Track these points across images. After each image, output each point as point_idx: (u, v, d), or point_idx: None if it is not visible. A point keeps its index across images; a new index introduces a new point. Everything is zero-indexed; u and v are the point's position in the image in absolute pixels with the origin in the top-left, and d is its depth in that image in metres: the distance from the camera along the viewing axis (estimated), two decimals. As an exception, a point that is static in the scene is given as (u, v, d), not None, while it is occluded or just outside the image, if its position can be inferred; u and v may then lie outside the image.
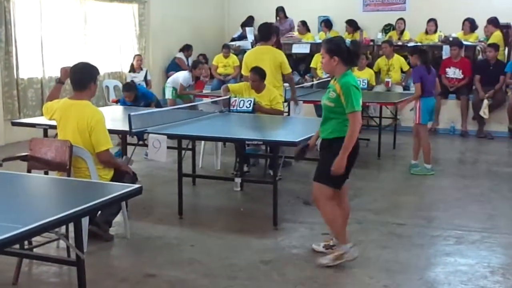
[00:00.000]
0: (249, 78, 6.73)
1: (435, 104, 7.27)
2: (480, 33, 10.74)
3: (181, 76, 9.31)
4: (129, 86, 8.16)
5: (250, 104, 6.57)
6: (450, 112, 9.97)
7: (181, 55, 11.97)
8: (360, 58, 4.21)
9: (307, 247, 4.71)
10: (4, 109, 8.83)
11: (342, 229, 4.37)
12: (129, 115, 5.12)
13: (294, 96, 7.35)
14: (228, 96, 6.72)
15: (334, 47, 4.21)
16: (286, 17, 12.57)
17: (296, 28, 12.33)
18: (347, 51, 4.19)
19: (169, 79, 9.59)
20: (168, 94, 9.24)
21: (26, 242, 4.10)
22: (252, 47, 11.18)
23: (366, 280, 4.13)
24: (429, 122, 7.41)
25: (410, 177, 7.06)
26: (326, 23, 12.02)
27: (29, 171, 4.38)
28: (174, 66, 11.76)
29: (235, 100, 6.65)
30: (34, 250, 4.17)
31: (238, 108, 6.60)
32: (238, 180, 5.98)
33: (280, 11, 12.47)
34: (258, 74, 6.67)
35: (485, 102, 9.40)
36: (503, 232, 5.15)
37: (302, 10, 12.84)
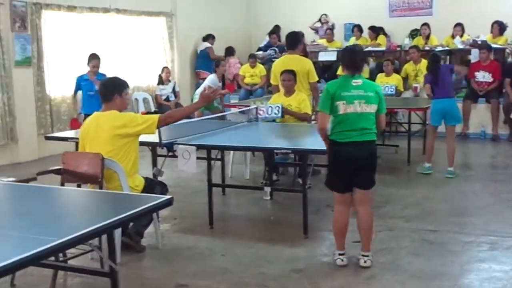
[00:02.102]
0: (282, 78, 6.73)
1: (448, 107, 7.16)
2: (509, 35, 10.59)
3: (207, 81, 9.39)
4: (98, 56, 8.52)
5: (278, 110, 6.57)
6: (480, 116, 9.85)
7: (208, 44, 12.11)
8: (357, 63, 4.38)
9: (338, 255, 4.69)
10: (38, 124, 9.02)
11: (338, 234, 4.53)
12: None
13: (317, 106, 7.29)
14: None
15: (340, 55, 4.44)
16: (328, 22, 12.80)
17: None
18: (347, 58, 4.43)
19: (197, 91, 9.68)
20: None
21: (60, 254, 4.18)
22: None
23: (398, 287, 4.10)
24: (451, 125, 7.34)
25: (441, 183, 6.99)
26: (360, 28, 12.05)
27: (62, 184, 4.47)
28: (203, 59, 11.94)
29: (263, 108, 6.65)
30: (69, 262, 4.24)
31: (267, 115, 6.59)
32: (267, 189, 6.00)
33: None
34: (292, 73, 6.71)
35: (516, 105, 9.27)
36: (538, 237, 5.06)
37: (328, 18, 12.85)
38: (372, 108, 4.30)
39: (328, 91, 4.32)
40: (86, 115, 7.64)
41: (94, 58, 8.44)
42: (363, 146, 4.31)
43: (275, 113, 6.58)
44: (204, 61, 12.08)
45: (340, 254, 4.51)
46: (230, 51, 12.35)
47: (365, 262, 4.46)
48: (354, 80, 4.32)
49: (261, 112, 6.64)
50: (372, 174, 4.46)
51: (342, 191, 4.45)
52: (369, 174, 4.44)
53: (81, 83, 8.42)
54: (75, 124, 8.28)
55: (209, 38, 12.27)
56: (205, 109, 9.20)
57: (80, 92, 8.57)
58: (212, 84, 9.24)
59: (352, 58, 4.40)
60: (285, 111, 6.62)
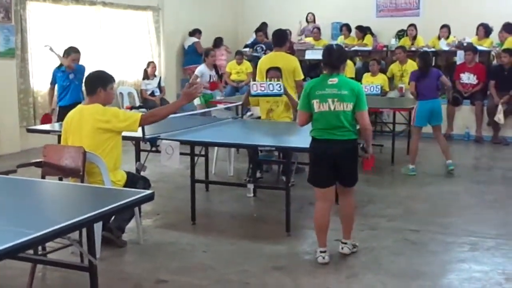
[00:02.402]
0: (269, 75, 6.66)
1: (435, 107, 7.28)
2: (494, 38, 10.66)
3: (197, 71, 9.33)
4: (78, 49, 8.06)
5: (280, 87, 6.38)
6: (464, 117, 9.91)
7: (195, 39, 12.10)
8: (333, 62, 4.40)
9: (320, 253, 4.69)
10: (20, 116, 8.93)
11: (319, 231, 4.55)
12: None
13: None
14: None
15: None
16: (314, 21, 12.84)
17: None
18: (325, 57, 4.48)
19: None
20: (197, 101, 9.20)
21: (40, 248, 4.14)
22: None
23: (379, 287, 4.10)
24: (436, 125, 7.46)
25: (424, 183, 7.03)
26: (348, 27, 12.10)
27: (43, 177, 4.42)
28: (191, 54, 11.94)
29: (264, 84, 6.46)
30: (48, 255, 4.20)
31: (269, 91, 6.41)
32: (250, 186, 5.97)
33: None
34: (278, 70, 6.66)
35: (500, 107, 9.33)
36: (518, 238, 5.10)
37: (316, 16, 12.87)
38: (346, 107, 4.30)
39: (305, 89, 4.44)
40: (61, 108, 7.65)
41: (73, 52, 7.92)
42: (337, 144, 4.34)
43: (277, 90, 6.38)
44: (192, 57, 12.07)
45: (321, 252, 4.52)
46: (218, 42, 12.34)
47: (342, 249, 4.61)
48: (330, 79, 4.35)
49: (262, 88, 6.42)
50: (352, 172, 4.49)
51: (321, 186, 4.51)
52: (349, 171, 4.47)
53: (57, 74, 8.00)
54: (46, 119, 8.08)
55: (195, 33, 12.25)
56: (205, 102, 9.11)
57: (56, 85, 8.16)
58: (199, 73, 9.16)
59: (328, 58, 4.42)
60: (285, 91, 6.46)
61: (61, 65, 8.03)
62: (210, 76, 9.32)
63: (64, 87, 7.92)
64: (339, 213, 4.69)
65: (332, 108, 4.30)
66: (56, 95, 8.12)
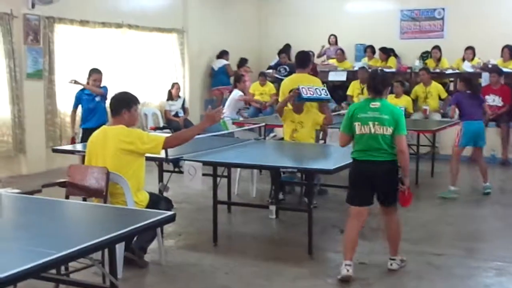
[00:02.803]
0: None
1: (481, 128, 7.32)
2: (520, 60, 10.56)
3: (237, 95, 9.71)
4: (99, 70, 8.12)
5: (326, 93, 6.52)
6: (490, 140, 9.71)
7: (225, 61, 12.30)
8: (376, 87, 4.61)
9: (342, 277, 4.65)
10: (46, 136, 9.06)
11: (346, 246, 4.67)
12: (165, 142, 5.18)
13: (327, 125, 7.22)
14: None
15: None
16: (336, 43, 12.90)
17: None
18: (368, 82, 4.81)
19: (225, 112, 9.61)
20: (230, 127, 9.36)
21: (63, 268, 4.17)
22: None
23: (402, 312, 4.04)
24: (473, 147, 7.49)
25: (449, 206, 6.94)
26: (372, 49, 12.15)
27: (67, 197, 4.46)
28: (222, 75, 12.17)
29: (310, 88, 6.48)
30: (71, 275, 4.23)
31: (317, 96, 6.46)
32: (273, 207, 5.96)
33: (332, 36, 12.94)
34: None
35: (527, 129, 9.20)
36: (545, 264, 4.99)
37: (339, 38, 12.90)
38: (386, 130, 4.49)
39: (347, 112, 4.68)
40: (86, 130, 7.54)
41: (95, 72, 8.02)
42: (377, 165, 4.52)
43: (325, 95, 6.50)
44: (221, 78, 12.31)
45: (346, 265, 4.57)
46: (242, 63, 12.48)
47: (391, 265, 4.76)
48: (372, 103, 4.56)
49: (311, 92, 6.44)
50: (390, 192, 4.62)
51: (356, 205, 4.67)
52: (387, 191, 4.62)
53: (82, 97, 8.00)
54: (73, 142, 8.01)
55: (223, 54, 12.43)
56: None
57: (80, 107, 8.13)
58: (239, 97, 9.58)
59: (373, 82, 4.66)
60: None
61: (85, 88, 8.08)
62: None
63: (91, 110, 7.93)
64: (385, 231, 4.84)
65: (372, 131, 4.50)
66: (80, 117, 8.14)
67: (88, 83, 8.01)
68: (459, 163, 7.31)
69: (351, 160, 5.26)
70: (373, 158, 4.53)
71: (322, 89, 6.52)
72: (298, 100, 6.54)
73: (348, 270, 4.53)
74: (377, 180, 4.57)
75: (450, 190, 7.23)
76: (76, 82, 8.19)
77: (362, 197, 4.65)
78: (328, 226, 5.99)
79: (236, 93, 9.75)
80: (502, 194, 7.79)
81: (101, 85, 8.05)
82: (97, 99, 7.92)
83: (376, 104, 4.54)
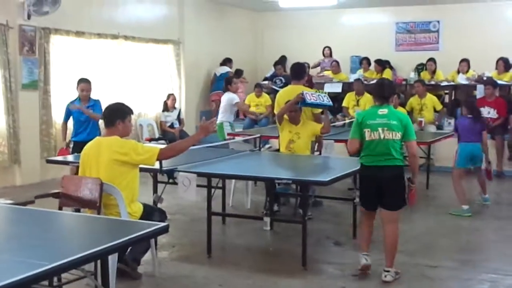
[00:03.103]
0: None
1: (475, 150, 7.22)
2: (515, 72, 10.62)
3: (231, 98, 9.63)
4: (88, 80, 7.82)
5: (328, 99, 6.58)
6: (485, 152, 9.79)
7: (228, 69, 12.40)
8: (384, 94, 4.89)
9: (336, 289, 4.64)
10: (41, 147, 9.04)
11: (362, 241, 5.06)
12: (159, 154, 5.18)
13: (321, 137, 7.22)
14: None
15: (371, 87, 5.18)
16: (331, 55, 12.95)
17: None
18: (376, 90, 5.05)
19: (220, 118, 9.64)
20: (228, 130, 9.38)
21: (55, 279, 4.15)
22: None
23: (396, 324, 4.03)
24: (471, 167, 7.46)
25: (444, 218, 6.94)
26: (368, 61, 12.19)
27: (60, 208, 4.45)
28: (222, 83, 12.09)
29: (313, 94, 6.52)
30: (63, 287, 4.20)
31: (319, 101, 6.49)
32: (267, 219, 5.95)
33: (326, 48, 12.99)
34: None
35: (521, 141, 9.23)
36: (540, 276, 4.99)
37: (335, 50, 12.95)
38: (395, 135, 4.70)
39: (357, 119, 4.89)
40: (77, 143, 7.42)
41: (83, 82, 7.72)
42: (384, 170, 4.72)
43: (327, 101, 6.56)
44: (222, 84, 12.26)
45: (363, 254, 4.91)
46: (238, 74, 12.54)
47: (385, 276, 4.80)
48: (380, 110, 4.77)
49: (314, 98, 6.48)
50: (396, 197, 4.78)
51: (367, 208, 4.94)
52: (394, 196, 4.78)
53: (73, 110, 7.74)
54: (62, 153, 7.77)
55: (227, 62, 12.56)
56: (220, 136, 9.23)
57: (71, 119, 7.87)
58: (233, 101, 9.59)
59: (380, 90, 4.90)
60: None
61: (76, 99, 7.81)
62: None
63: (82, 123, 7.70)
64: (384, 241, 4.90)
65: (382, 136, 4.70)
66: (72, 130, 7.88)
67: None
68: (461, 183, 7.24)
69: (346, 172, 5.36)
70: (381, 164, 4.71)
71: (324, 95, 6.56)
72: (301, 105, 6.58)
73: (366, 260, 4.87)
74: (384, 185, 4.74)
75: (463, 210, 7.07)
76: (67, 145, 7.87)
77: (371, 202, 4.87)
78: (323, 238, 5.99)
79: (233, 98, 9.65)
80: (496, 206, 7.78)
81: (92, 97, 7.79)
82: (86, 113, 7.66)
83: (384, 111, 4.74)
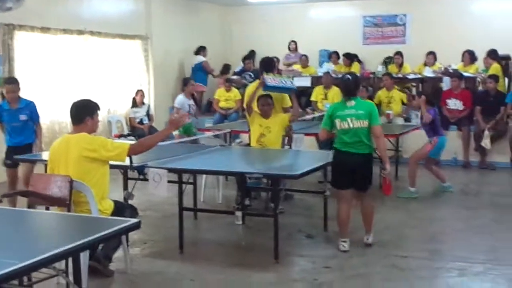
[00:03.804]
0: (260, 103, 6.71)
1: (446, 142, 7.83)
2: (480, 64, 10.80)
3: (176, 102, 9.36)
4: (14, 79, 7.02)
5: (292, 82, 6.59)
6: (451, 143, 9.91)
7: (202, 58, 12.36)
8: (351, 90, 5.42)
9: (308, 281, 4.69)
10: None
11: (341, 225, 5.43)
12: (129, 150, 5.14)
13: (291, 131, 7.24)
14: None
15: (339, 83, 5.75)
16: (296, 49, 12.96)
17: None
18: (342, 86, 5.58)
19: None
20: (176, 132, 9.21)
21: (25, 278, 4.09)
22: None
23: (368, 314, 4.09)
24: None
25: (413, 208, 7.05)
26: (337, 55, 12.28)
27: (29, 206, 4.39)
28: (199, 72, 12.28)
29: (276, 78, 6.54)
30: (34, 286, 4.15)
31: (282, 85, 6.50)
32: (239, 213, 5.97)
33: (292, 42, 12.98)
34: (269, 98, 6.70)
35: (487, 133, 9.40)
36: (506, 263, 5.10)
37: (303, 44, 13.00)
38: (362, 123, 5.23)
39: (328, 110, 5.47)
40: (10, 148, 6.72)
41: (7, 83, 6.81)
42: (356, 157, 5.27)
43: (290, 84, 6.56)
44: (198, 75, 12.31)
45: (342, 241, 5.36)
46: (226, 69, 12.49)
47: (367, 239, 5.47)
48: (348, 102, 5.31)
49: (276, 82, 6.50)
50: (366, 179, 5.40)
51: (341, 188, 5.39)
52: (363, 179, 5.38)
53: (3, 113, 6.72)
54: None
55: (200, 51, 12.50)
56: (184, 132, 9.11)
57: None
58: (179, 105, 9.20)
59: (345, 86, 5.45)
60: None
61: (3, 102, 6.88)
62: (189, 106, 9.35)
63: (14, 128, 6.73)
64: (361, 212, 5.49)
65: (351, 125, 5.23)
66: (4, 133, 6.91)
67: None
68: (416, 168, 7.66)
69: (316, 165, 5.42)
70: (353, 150, 5.25)
71: (288, 79, 6.55)
72: (264, 90, 6.59)
73: (344, 246, 5.32)
74: (356, 169, 5.30)
75: (412, 191, 7.49)
76: None
77: (344, 182, 5.36)
78: (294, 231, 6.02)
79: (179, 101, 9.32)
80: (464, 196, 7.93)
81: (21, 97, 6.82)
82: (22, 117, 6.72)
83: (351, 103, 5.29)
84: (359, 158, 5.27)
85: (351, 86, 5.38)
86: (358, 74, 11.55)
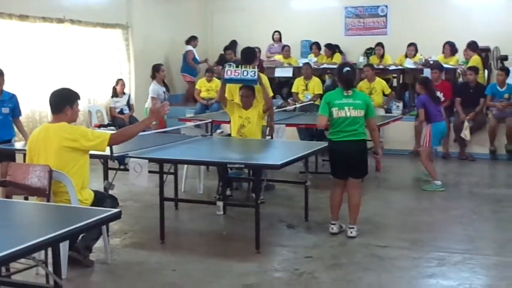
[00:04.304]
0: (241, 94, 6.70)
1: (445, 128, 8.01)
2: (460, 56, 10.88)
3: (150, 91, 9.26)
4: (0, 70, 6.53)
5: (254, 73, 6.43)
6: (431, 134, 10.02)
7: (189, 47, 12.43)
8: (351, 81, 5.61)
9: (289, 270, 4.70)
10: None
11: (332, 208, 5.63)
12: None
13: (272, 122, 7.24)
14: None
15: (336, 72, 5.79)
16: (280, 40, 12.95)
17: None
18: (344, 78, 5.50)
19: (146, 104, 9.49)
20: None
21: (3, 269, 4.05)
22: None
23: (348, 303, 4.11)
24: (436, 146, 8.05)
25: (393, 199, 7.10)
26: (318, 46, 12.26)
27: (7, 196, 4.34)
28: (183, 64, 12.50)
29: (237, 69, 6.47)
30: (12, 277, 4.11)
31: (242, 77, 6.45)
32: (220, 203, 5.95)
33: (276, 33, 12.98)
34: (250, 89, 6.69)
35: (466, 124, 9.49)
36: (484, 253, 5.17)
37: (285, 35, 12.97)
38: (359, 113, 5.38)
39: (325, 99, 5.51)
40: None
41: None
42: (351, 144, 5.40)
43: (251, 75, 6.41)
44: (184, 65, 12.47)
45: (332, 223, 5.58)
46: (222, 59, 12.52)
47: (351, 232, 5.49)
48: (346, 91, 5.42)
49: (236, 73, 6.43)
50: (361, 167, 5.55)
51: (338, 177, 5.57)
52: (359, 167, 5.53)
53: None
54: None
55: (191, 40, 12.58)
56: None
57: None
58: (155, 95, 9.14)
59: (348, 78, 5.46)
60: (259, 81, 6.52)
61: None
62: (164, 93, 9.32)
63: None
64: (349, 202, 5.54)
65: (348, 114, 5.36)
66: None
67: None
68: (432, 160, 7.74)
69: (297, 155, 5.43)
70: (348, 138, 5.38)
71: (251, 71, 6.44)
72: (224, 82, 6.58)
73: (333, 228, 5.55)
74: (351, 157, 5.44)
75: (437, 185, 7.48)
76: None
77: (341, 171, 5.53)
78: (276, 221, 6.04)
79: (153, 90, 9.18)
80: (443, 187, 8.00)
81: (6, 90, 6.58)
82: (4, 110, 6.44)
83: (349, 92, 5.41)
84: (354, 145, 5.40)
85: (352, 78, 5.57)
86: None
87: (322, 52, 12.22)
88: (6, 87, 6.79)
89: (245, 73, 6.45)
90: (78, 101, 4.69)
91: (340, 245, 5.28)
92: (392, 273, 4.67)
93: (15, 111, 6.64)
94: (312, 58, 11.91)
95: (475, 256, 5.05)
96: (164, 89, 9.44)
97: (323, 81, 11.09)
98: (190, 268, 4.77)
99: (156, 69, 9.42)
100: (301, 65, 11.43)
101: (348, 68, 5.51)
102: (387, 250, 5.20)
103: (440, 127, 7.69)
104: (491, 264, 4.93)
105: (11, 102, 6.54)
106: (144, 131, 5.12)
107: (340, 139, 5.41)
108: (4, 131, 6.48)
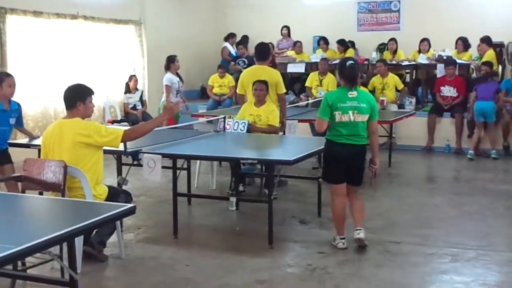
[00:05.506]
0: (254, 88, 6.72)
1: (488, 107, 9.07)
2: (473, 51, 10.81)
3: (164, 80, 9.36)
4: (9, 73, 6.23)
5: (244, 126, 6.58)
6: (445, 130, 9.99)
7: (227, 44, 12.66)
8: (355, 77, 5.03)
9: (302, 266, 4.71)
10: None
11: (337, 221, 5.12)
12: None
13: (284, 118, 7.25)
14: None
15: (338, 68, 5.39)
16: (289, 35, 12.95)
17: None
18: (346, 73, 4.99)
19: (162, 99, 9.56)
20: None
21: (19, 263, 4.09)
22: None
23: (361, 299, 4.12)
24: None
25: (406, 195, 7.08)
26: (325, 41, 12.22)
27: (23, 191, 4.38)
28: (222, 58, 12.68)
29: (230, 122, 6.66)
30: (28, 271, 4.16)
31: (233, 131, 6.61)
32: (233, 199, 5.97)
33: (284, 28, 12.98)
34: (264, 83, 6.71)
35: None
36: (498, 249, 5.14)
37: (297, 30, 12.96)
38: (363, 118, 4.93)
39: (327, 100, 4.93)
40: None
41: (7, 76, 5.97)
42: (352, 149, 4.95)
43: (241, 129, 6.58)
44: (222, 61, 12.59)
45: (341, 239, 5.09)
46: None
47: (359, 234, 5.06)
48: (350, 92, 4.91)
49: (227, 126, 6.66)
50: (360, 172, 5.10)
51: (335, 182, 5.07)
52: (358, 173, 5.08)
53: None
54: None
55: (229, 37, 12.87)
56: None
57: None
58: (168, 82, 9.27)
59: (351, 73, 4.96)
60: (251, 127, 6.62)
61: None
62: (178, 82, 9.39)
63: (3, 131, 5.87)
64: (351, 209, 5.17)
65: (352, 119, 4.89)
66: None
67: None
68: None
69: (310, 151, 5.42)
70: (350, 142, 4.93)
71: (242, 122, 6.59)
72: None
73: (343, 244, 5.06)
74: (351, 161, 4.99)
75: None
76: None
77: (338, 176, 5.04)
78: (288, 217, 6.04)
79: (167, 79, 9.32)
80: (456, 183, 7.99)
81: (13, 99, 5.99)
82: (12, 121, 5.93)
83: (353, 93, 4.90)
84: (354, 149, 4.95)
85: (355, 73, 5.01)
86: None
87: (334, 48, 12.17)
88: (20, 81, 6.56)
89: (236, 125, 6.61)
90: (92, 96, 4.71)
91: (353, 241, 5.27)
92: (405, 269, 4.67)
93: (19, 120, 6.15)
94: (322, 54, 11.86)
95: (489, 252, 5.03)
96: (178, 78, 9.50)
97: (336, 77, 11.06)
98: (203, 263, 4.79)
99: (171, 60, 9.54)
100: (312, 60, 11.42)
101: (351, 62, 5.05)
102: (400, 246, 5.19)
103: (480, 105, 8.96)
104: (505, 260, 4.90)
105: (18, 112, 6.07)
106: (158, 127, 5.13)
107: (341, 141, 4.95)
108: (2, 140, 5.91)
